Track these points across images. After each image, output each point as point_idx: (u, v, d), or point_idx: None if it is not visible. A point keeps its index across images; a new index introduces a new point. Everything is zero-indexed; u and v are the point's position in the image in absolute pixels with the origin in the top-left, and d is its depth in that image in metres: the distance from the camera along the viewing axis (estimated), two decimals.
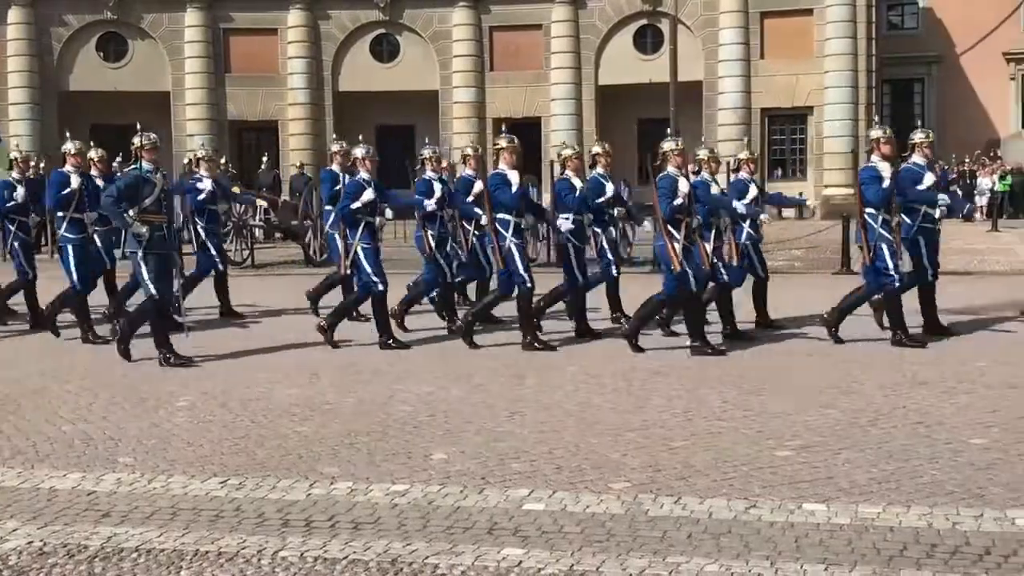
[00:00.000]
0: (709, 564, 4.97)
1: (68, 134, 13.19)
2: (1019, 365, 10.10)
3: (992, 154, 38.02)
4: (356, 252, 11.57)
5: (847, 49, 36.86)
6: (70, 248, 12.15)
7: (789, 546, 5.22)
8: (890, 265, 10.86)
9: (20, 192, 13.31)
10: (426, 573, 4.94)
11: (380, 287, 11.51)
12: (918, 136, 11.55)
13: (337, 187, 13.34)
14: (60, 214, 12.48)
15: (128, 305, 12.60)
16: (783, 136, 38.43)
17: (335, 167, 13.89)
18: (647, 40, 38.49)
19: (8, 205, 13.25)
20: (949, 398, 8.65)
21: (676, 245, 10.55)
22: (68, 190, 12.34)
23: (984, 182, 34.15)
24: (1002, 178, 33.76)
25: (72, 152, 12.69)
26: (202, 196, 13.52)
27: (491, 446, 7.19)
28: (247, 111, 38.77)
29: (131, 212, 10.21)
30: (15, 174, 13.81)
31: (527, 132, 38.73)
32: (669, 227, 10.62)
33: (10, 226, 13.32)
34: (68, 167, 12.67)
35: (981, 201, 33.29)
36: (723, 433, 7.54)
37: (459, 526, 5.59)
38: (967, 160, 38.12)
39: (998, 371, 9.79)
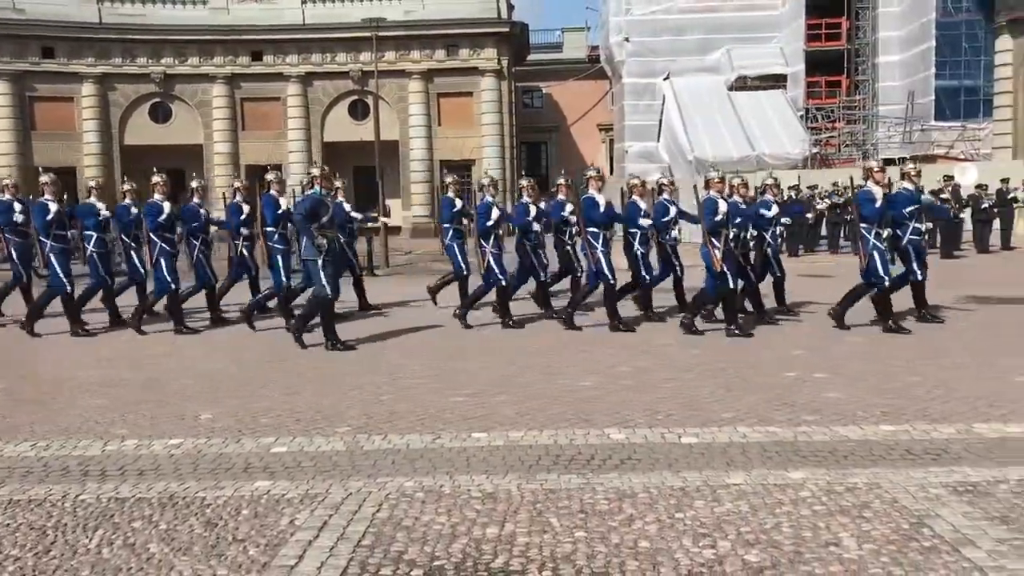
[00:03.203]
0: (407, 481, 4.94)
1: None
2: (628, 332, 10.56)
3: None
4: (488, 257, 10.92)
5: (496, 120, 38.04)
6: (279, 256, 11.11)
7: (463, 464, 5.26)
8: (881, 270, 9.82)
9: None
10: (197, 503, 4.67)
11: (504, 282, 11.01)
12: (908, 166, 10.84)
13: (455, 209, 12.10)
14: (270, 229, 11.15)
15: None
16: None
17: (451, 193, 12.48)
18: (358, 110, 38.32)
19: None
20: (571, 356, 8.94)
21: (716, 252, 9.81)
22: (281, 210, 11.14)
23: None
24: None
25: (275, 181, 11.61)
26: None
27: (247, 407, 6.88)
28: (50, 160, 35.64)
29: (313, 227, 9.35)
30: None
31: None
32: (712, 238, 9.86)
33: (193, 240, 11.58)
34: (273, 191, 11.38)
35: None
36: (418, 387, 7.50)
37: (222, 467, 5.31)
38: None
39: (612, 336, 10.17)
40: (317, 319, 9.67)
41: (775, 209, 11.27)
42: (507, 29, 38.00)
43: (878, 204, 9.93)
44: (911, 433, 5.72)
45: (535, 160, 47.88)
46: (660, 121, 39.41)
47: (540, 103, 47.98)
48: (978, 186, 23.32)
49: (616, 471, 5.04)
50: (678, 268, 11.49)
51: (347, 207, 12.88)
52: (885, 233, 9.93)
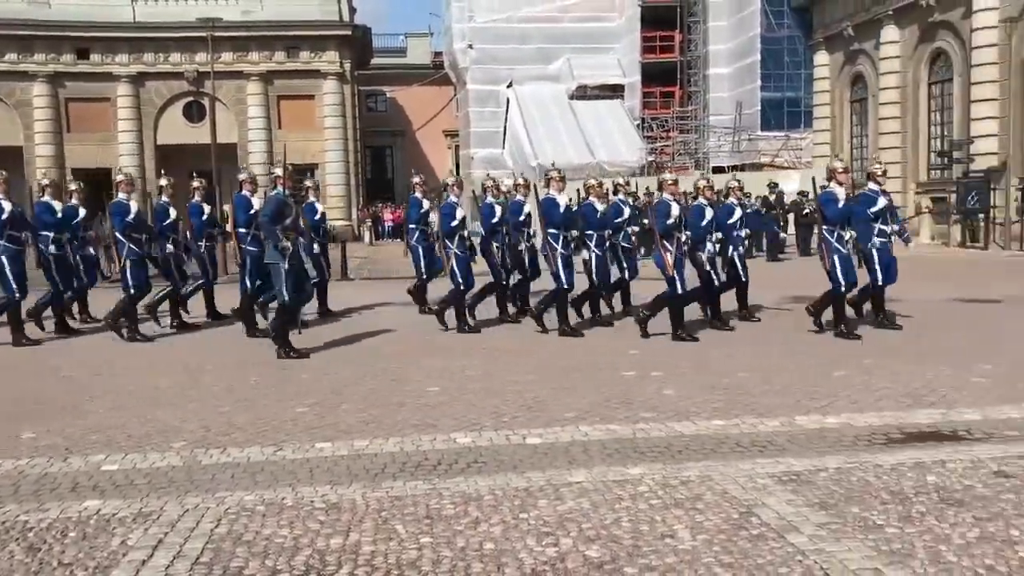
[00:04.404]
0: (247, 494, 4.80)
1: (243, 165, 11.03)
2: (485, 337, 10.55)
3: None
4: (452, 259, 10.60)
5: (339, 124, 37.62)
6: (249, 259, 10.56)
7: (306, 475, 5.16)
8: (840, 275, 9.50)
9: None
10: (18, 527, 4.37)
11: (462, 286, 10.67)
12: (875, 167, 10.30)
13: (422, 210, 11.98)
14: (242, 231, 10.49)
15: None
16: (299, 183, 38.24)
17: (418, 194, 12.32)
18: (194, 112, 37.05)
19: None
20: (417, 361, 8.88)
21: (668, 255, 9.55)
22: (253, 210, 10.50)
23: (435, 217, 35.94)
24: None
25: (248, 180, 11.08)
26: (316, 217, 12.00)
27: (74, 423, 6.50)
28: None
29: (277, 229, 9.04)
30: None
31: (103, 178, 36.01)
32: (664, 241, 9.62)
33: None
34: (246, 191, 10.82)
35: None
36: (257, 398, 7.30)
37: (46, 488, 4.99)
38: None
39: (459, 340, 10.24)
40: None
41: (739, 212, 11.12)
42: (349, 32, 37.63)
43: (840, 205, 9.65)
44: (740, 427, 6.02)
45: (380, 165, 47.60)
46: (505, 128, 39.98)
47: (385, 107, 47.75)
48: (800, 193, 24.70)
49: (462, 475, 5.07)
50: (628, 270, 11.39)
51: (319, 207, 12.62)
52: (848, 235, 9.61)
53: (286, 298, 9.19)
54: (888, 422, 6.06)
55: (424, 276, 12.32)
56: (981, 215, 24.03)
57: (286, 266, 9.11)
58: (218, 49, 34.15)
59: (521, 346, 9.74)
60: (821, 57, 33.82)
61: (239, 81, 36.84)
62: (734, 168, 34.60)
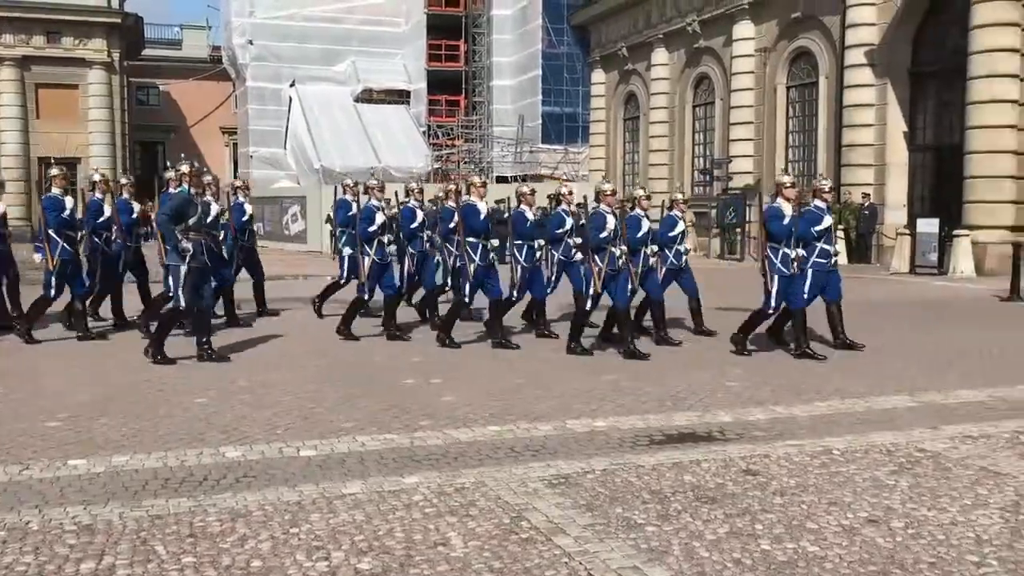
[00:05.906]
0: None
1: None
2: (265, 346, 10.24)
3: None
4: (366, 264, 10.36)
5: (106, 116, 35.43)
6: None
7: (56, 495, 4.77)
8: (773, 291, 9.15)
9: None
10: None
11: (366, 295, 10.51)
12: (822, 182, 9.73)
13: (351, 212, 11.19)
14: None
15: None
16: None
17: (348, 196, 11.70)
18: None
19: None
20: (186, 371, 8.43)
21: (598, 269, 9.07)
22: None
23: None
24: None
25: (175, 179, 10.01)
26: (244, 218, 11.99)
27: None
28: None
29: (177, 230, 8.52)
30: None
31: None
32: (595, 255, 9.10)
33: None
34: (172, 189, 10.10)
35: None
36: (3, 412, 6.68)
37: None
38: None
39: (233, 347, 9.82)
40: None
41: (681, 226, 10.71)
42: (119, 20, 35.46)
43: (786, 221, 9.24)
44: (515, 432, 6.16)
45: (151, 161, 45.11)
46: (287, 127, 38.97)
47: (158, 101, 45.37)
48: (578, 204, 25.59)
49: (230, 490, 4.86)
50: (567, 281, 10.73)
51: (248, 209, 12.17)
52: (794, 253, 9.18)
53: (181, 303, 8.73)
54: (651, 424, 6.41)
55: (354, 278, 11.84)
56: (738, 229, 25.96)
57: (186, 268, 8.60)
58: None
59: (302, 354, 9.51)
60: (598, 75, 35.41)
61: None
62: (515, 179, 35.61)
